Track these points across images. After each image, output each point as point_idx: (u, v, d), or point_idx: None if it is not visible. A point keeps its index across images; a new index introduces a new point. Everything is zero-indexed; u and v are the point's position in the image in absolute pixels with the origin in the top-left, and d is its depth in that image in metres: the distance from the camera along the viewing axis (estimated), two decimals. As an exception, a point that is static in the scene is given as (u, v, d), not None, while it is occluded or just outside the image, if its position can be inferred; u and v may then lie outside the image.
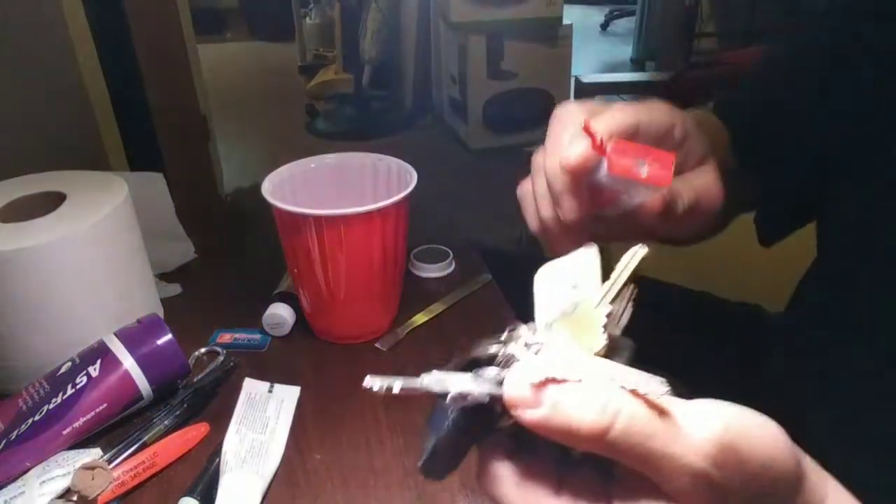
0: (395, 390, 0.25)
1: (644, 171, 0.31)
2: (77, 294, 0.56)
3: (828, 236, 0.52)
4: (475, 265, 0.77)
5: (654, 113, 0.38)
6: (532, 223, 0.39)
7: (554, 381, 0.23)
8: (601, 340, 0.26)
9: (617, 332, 0.27)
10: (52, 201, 0.59)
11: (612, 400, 0.22)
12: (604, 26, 4.40)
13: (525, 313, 0.30)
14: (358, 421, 0.56)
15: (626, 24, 4.24)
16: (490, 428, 0.26)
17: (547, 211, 0.37)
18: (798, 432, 0.24)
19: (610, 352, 0.26)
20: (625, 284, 0.28)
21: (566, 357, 0.24)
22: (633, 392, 0.22)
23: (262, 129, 2.96)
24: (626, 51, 3.87)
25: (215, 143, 1.67)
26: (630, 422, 0.22)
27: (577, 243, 0.33)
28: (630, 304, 0.28)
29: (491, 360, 0.26)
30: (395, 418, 0.56)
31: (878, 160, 0.45)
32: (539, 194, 0.38)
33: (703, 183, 0.40)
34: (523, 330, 0.27)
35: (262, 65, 3.87)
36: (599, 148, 0.32)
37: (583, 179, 0.34)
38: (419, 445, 0.53)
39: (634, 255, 0.28)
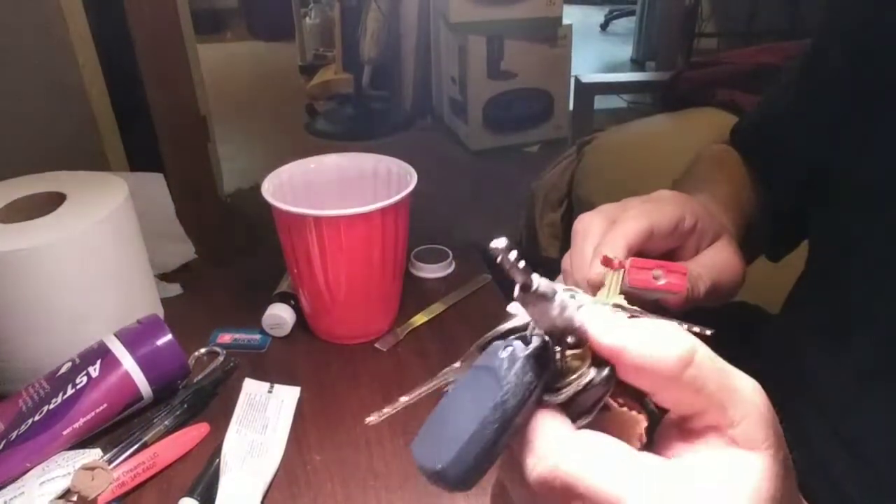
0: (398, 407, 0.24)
1: (661, 281, 0.35)
2: (77, 294, 0.56)
3: (815, 241, 0.54)
4: (475, 265, 0.77)
5: (665, 209, 0.40)
6: None
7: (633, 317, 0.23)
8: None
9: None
10: (52, 201, 0.59)
11: (684, 334, 0.22)
12: (604, 26, 4.40)
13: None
14: (358, 421, 0.56)
15: (626, 24, 4.24)
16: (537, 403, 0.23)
17: None
18: (796, 433, 0.24)
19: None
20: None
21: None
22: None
23: (262, 130, 2.97)
24: (626, 51, 3.87)
25: (215, 144, 1.67)
26: (706, 352, 0.22)
27: None
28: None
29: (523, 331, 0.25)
30: (395, 418, 0.55)
31: (859, 168, 0.46)
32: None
33: (722, 260, 0.42)
34: (544, 283, 0.23)
35: (262, 65, 3.87)
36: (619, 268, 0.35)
37: None
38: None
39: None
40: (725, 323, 0.28)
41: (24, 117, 1.04)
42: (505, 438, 0.22)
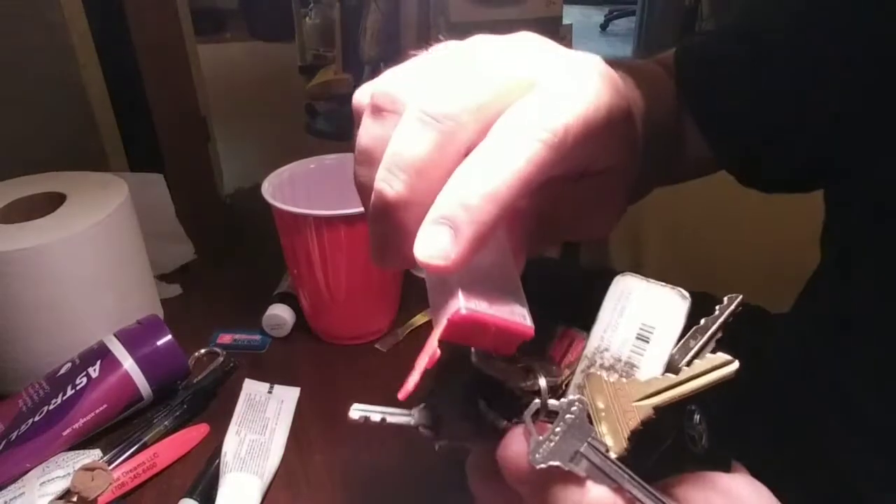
0: (383, 423, 0.24)
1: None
2: (77, 294, 0.56)
3: (839, 215, 0.48)
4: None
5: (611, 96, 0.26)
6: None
7: (553, 469, 0.21)
8: (622, 444, 0.23)
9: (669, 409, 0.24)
10: (52, 201, 0.59)
11: None
12: (604, 26, 4.40)
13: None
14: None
15: (626, 24, 4.24)
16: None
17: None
18: (799, 432, 0.24)
19: (643, 435, 0.24)
20: (686, 395, 0.24)
21: (576, 444, 0.22)
22: None
23: (262, 130, 2.96)
24: (626, 51, 3.87)
25: (215, 144, 1.67)
26: None
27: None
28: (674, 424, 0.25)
29: (505, 390, 0.24)
30: (395, 419, 0.56)
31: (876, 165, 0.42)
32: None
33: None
34: (544, 385, 0.24)
35: (262, 65, 3.87)
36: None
37: None
38: (420, 445, 0.53)
39: (718, 369, 0.24)
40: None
41: (24, 117, 1.04)
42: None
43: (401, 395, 0.24)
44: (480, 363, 0.25)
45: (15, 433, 0.50)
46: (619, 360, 0.25)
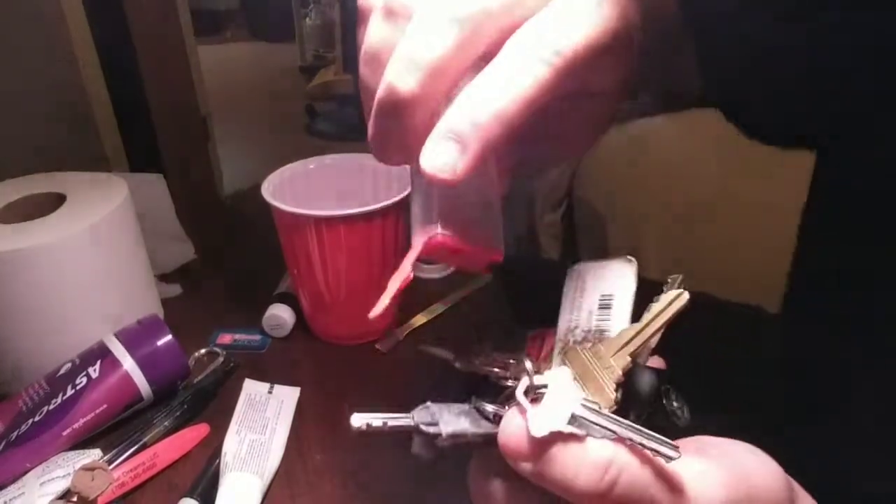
0: (385, 428, 0.24)
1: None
2: (77, 294, 0.56)
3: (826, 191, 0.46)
4: (475, 265, 0.77)
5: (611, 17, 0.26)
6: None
7: (554, 434, 0.22)
8: (610, 396, 0.24)
9: (639, 367, 0.26)
10: (52, 202, 0.59)
11: (614, 462, 0.21)
12: (604, 26, 4.41)
13: (524, 313, 0.30)
14: (358, 421, 0.56)
15: (626, 25, 4.24)
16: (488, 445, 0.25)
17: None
18: (800, 434, 0.24)
19: (628, 387, 0.25)
20: (653, 333, 0.26)
21: (569, 407, 0.23)
22: (638, 454, 0.22)
23: (262, 130, 2.96)
24: (626, 51, 3.87)
25: (215, 144, 1.67)
26: (630, 488, 0.21)
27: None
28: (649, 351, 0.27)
29: (491, 383, 0.25)
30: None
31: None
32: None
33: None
34: (529, 366, 0.25)
35: (262, 65, 3.87)
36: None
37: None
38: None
39: (674, 301, 0.26)
40: (726, 325, 0.28)
41: (24, 117, 1.04)
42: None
43: (371, 315, 0.26)
44: (463, 366, 0.26)
45: (15, 433, 0.50)
46: (589, 331, 0.27)
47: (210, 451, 0.52)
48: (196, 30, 1.61)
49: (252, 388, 0.58)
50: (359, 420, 0.24)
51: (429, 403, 0.25)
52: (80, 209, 0.58)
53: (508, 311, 0.69)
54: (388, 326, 0.67)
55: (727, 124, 0.66)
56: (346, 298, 0.62)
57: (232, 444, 0.51)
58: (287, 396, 0.58)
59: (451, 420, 0.24)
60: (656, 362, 0.29)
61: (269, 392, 0.58)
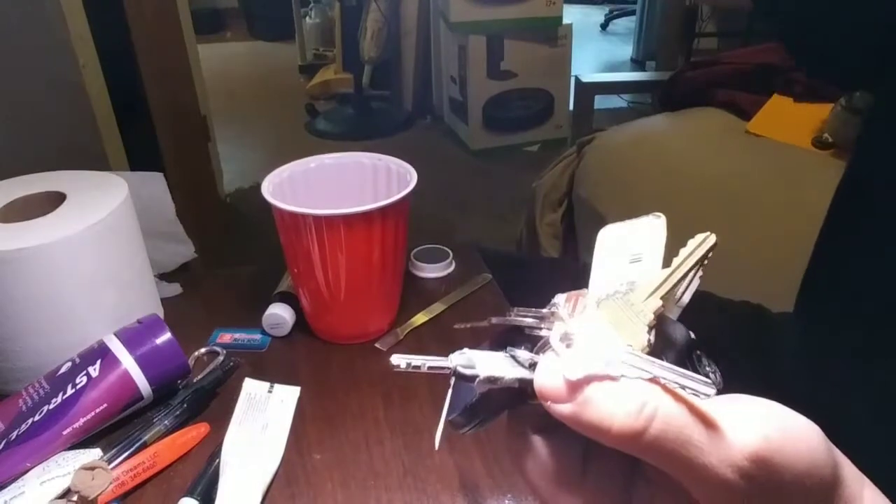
0: (423, 369, 0.25)
1: None
2: (77, 294, 0.56)
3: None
4: (475, 265, 0.77)
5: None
6: None
7: (589, 376, 0.22)
8: (643, 338, 0.25)
9: (670, 321, 0.26)
10: (52, 201, 0.59)
11: (649, 401, 0.21)
12: (604, 26, 4.40)
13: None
14: (358, 421, 0.56)
15: (626, 24, 4.24)
16: (522, 401, 0.25)
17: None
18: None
19: (660, 342, 0.25)
20: (685, 274, 0.26)
21: (604, 350, 0.23)
22: (673, 393, 0.22)
23: (262, 129, 2.97)
24: (626, 50, 3.87)
25: (215, 143, 1.67)
26: (666, 427, 0.21)
27: None
28: (689, 289, 0.27)
29: (527, 334, 0.26)
30: (394, 418, 0.56)
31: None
32: None
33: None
34: (563, 311, 0.26)
35: (262, 65, 3.87)
36: None
37: None
38: (419, 445, 0.53)
39: (702, 244, 0.26)
40: (728, 324, 0.28)
41: (24, 117, 1.04)
42: (492, 413, 0.26)
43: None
44: (499, 320, 0.27)
45: (15, 433, 0.50)
46: (621, 286, 0.27)
47: (210, 451, 0.52)
48: (196, 29, 1.62)
49: (252, 388, 0.58)
50: (398, 359, 0.25)
51: (465, 349, 0.25)
52: (80, 208, 0.58)
53: (509, 310, 0.69)
54: (388, 326, 0.67)
55: (727, 124, 0.67)
56: (346, 298, 0.62)
57: (232, 443, 0.51)
58: (287, 396, 0.58)
59: (487, 364, 0.24)
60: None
61: (269, 391, 0.58)
